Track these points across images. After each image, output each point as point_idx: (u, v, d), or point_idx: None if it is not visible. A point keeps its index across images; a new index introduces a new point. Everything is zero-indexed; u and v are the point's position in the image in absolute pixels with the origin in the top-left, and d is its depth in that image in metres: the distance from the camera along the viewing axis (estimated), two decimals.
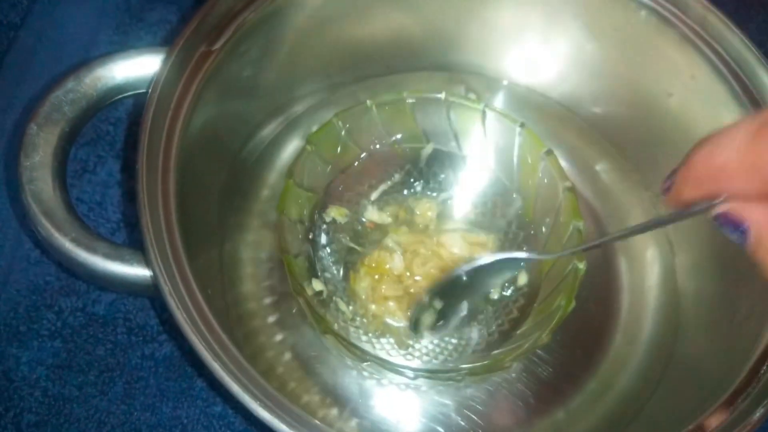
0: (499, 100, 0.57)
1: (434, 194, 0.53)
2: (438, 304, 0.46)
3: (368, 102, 0.49)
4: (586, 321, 0.50)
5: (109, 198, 0.55)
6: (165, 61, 0.40)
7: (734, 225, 0.28)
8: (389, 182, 0.53)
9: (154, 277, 0.34)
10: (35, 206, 0.37)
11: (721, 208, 0.28)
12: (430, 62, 0.57)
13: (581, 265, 0.44)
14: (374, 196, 0.52)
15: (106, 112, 0.58)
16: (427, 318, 0.46)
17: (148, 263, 0.35)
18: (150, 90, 0.38)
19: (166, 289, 0.33)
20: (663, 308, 0.50)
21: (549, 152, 0.48)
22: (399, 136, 0.52)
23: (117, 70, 0.42)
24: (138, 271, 0.36)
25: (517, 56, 0.54)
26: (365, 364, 0.42)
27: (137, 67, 0.42)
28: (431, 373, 0.42)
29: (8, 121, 0.56)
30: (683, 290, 0.49)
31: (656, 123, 0.49)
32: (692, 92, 0.46)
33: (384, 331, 0.48)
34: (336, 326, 0.46)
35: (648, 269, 0.51)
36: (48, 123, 0.39)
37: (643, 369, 0.48)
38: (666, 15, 0.45)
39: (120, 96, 0.43)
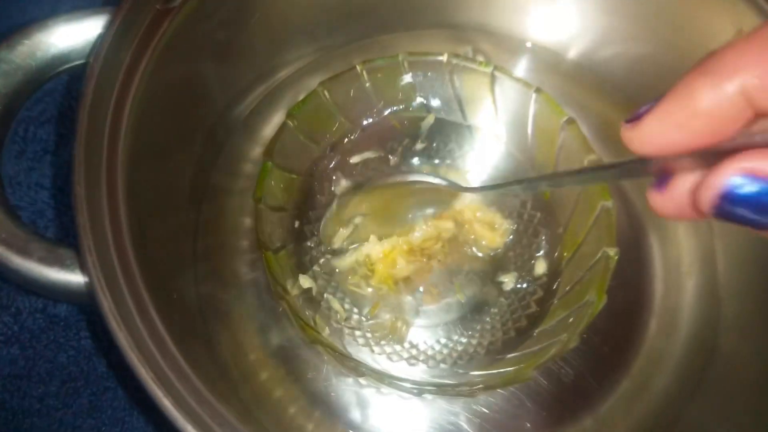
0: (512, 62, 0.50)
1: (438, 168, 0.46)
2: None
3: (358, 67, 0.42)
4: (615, 313, 0.43)
5: None
6: (109, 25, 0.33)
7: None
8: (385, 159, 0.46)
9: (93, 291, 0.27)
10: None
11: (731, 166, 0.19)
12: (432, 20, 0.50)
13: (612, 252, 0.38)
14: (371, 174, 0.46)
15: (68, 84, 0.52)
16: None
17: (85, 272, 0.28)
18: (91, 60, 0.31)
19: (106, 305, 0.27)
20: (702, 297, 0.43)
21: (570, 121, 0.41)
22: (395, 107, 0.45)
23: (60, 35, 0.36)
24: (81, 279, 0.30)
25: (532, 11, 0.47)
26: (362, 379, 0.36)
27: (84, 31, 0.36)
28: (438, 388, 0.36)
29: None
30: (723, 278, 0.43)
31: None
32: None
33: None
34: (327, 330, 0.40)
35: (684, 252, 0.45)
36: None
37: (681, 367, 0.43)
38: None
39: (65, 66, 0.36)
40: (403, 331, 0.42)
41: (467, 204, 0.45)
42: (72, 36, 0.36)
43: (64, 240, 0.47)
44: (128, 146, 0.32)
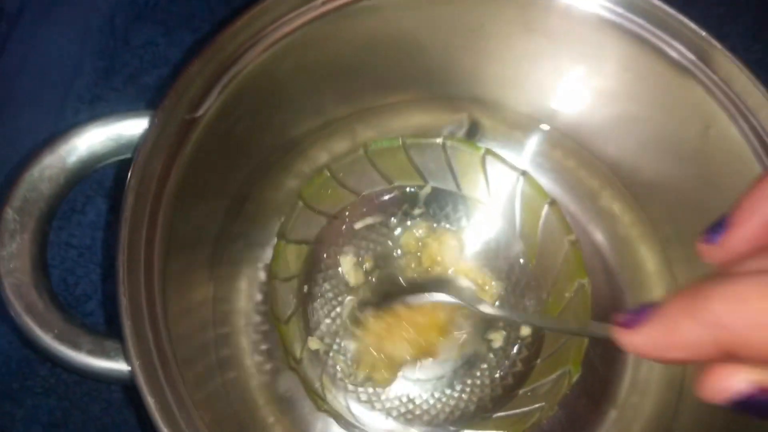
0: (509, 133, 0.54)
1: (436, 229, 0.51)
2: None
3: (361, 151, 0.47)
4: (592, 366, 0.48)
5: (99, 241, 0.54)
6: (142, 137, 0.37)
7: None
8: (386, 223, 0.51)
9: (141, 394, 0.32)
10: (16, 303, 0.35)
11: None
12: (433, 91, 0.54)
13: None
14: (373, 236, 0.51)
15: None
16: None
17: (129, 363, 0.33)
18: (129, 176, 0.36)
19: (152, 403, 0.32)
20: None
21: (552, 203, 0.46)
22: (395, 179, 0.50)
23: (95, 138, 0.40)
24: (123, 367, 0.35)
25: (534, 87, 0.51)
26: None
27: (116, 134, 0.40)
28: None
29: None
30: None
31: (673, 172, 0.47)
32: (708, 141, 0.43)
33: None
34: (333, 390, 0.45)
35: None
36: (25, 205, 0.37)
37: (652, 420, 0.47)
38: (683, 62, 0.42)
39: (100, 165, 0.41)
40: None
41: (460, 266, 0.50)
42: (106, 138, 0.40)
43: (93, 297, 0.52)
44: (160, 252, 0.36)
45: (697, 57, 0.41)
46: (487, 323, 0.49)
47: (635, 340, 0.23)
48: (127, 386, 0.34)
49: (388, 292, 0.47)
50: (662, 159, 0.48)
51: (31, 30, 0.60)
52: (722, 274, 0.21)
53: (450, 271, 0.49)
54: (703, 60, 0.41)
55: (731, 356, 0.20)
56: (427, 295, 0.43)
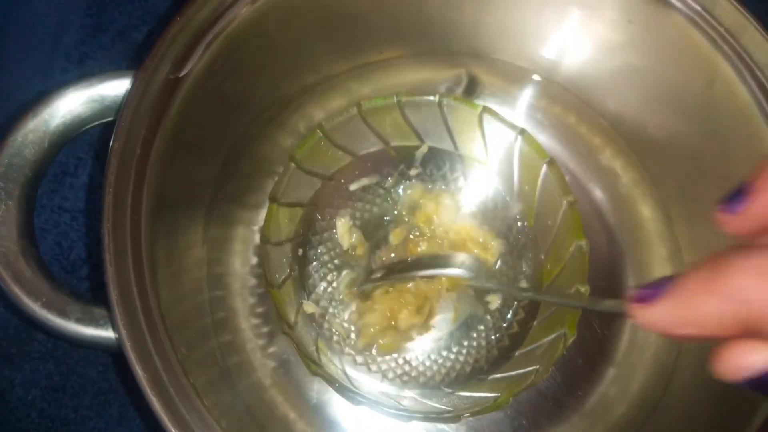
0: (502, 85, 0.52)
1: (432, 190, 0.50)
2: None
3: (354, 109, 0.45)
4: (589, 326, 0.48)
5: (92, 204, 0.53)
6: (125, 98, 0.36)
7: None
8: (382, 184, 0.50)
9: (129, 362, 0.32)
10: (3, 271, 0.35)
11: None
12: (429, 46, 0.52)
13: (583, 289, 0.42)
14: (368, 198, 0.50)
15: None
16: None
17: (116, 332, 0.33)
18: (111, 142, 0.35)
19: (140, 371, 0.31)
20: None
21: (550, 162, 0.44)
22: (391, 139, 0.48)
23: (77, 100, 0.39)
24: (112, 335, 0.34)
25: (526, 41, 0.50)
26: (359, 406, 0.41)
27: (99, 95, 0.39)
28: (425, 415, 0.41)
29: None
30: None
31: (676, 128, 0.45)
32: (713, 96, 0.42)
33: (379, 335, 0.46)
34: (328, 353, 0.44)
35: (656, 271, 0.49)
36: (9, 171, 0.36)
37: (650, 378, 0.47)
38: (688, 12, 0.40)
39: (85, 127, 0.40)
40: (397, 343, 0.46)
41: (461, 223, 0.49)
42: (87, 100, 0.39)
43: (88, 261, 0.52)
44: (148, 216, 0.35)
45: (702, 7, 0.40)
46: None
47: (651, 315, 0.22)
48: (117, 354, 0.34)
49: (394, 267, 0.46)
50: (665, 114, 0.46)
51: None
52: (744, 246, 0.20)
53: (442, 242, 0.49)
54: (708, 10, 0.40)
55: (752, 333, 0.20)
56: (439, 270, 0.43)
